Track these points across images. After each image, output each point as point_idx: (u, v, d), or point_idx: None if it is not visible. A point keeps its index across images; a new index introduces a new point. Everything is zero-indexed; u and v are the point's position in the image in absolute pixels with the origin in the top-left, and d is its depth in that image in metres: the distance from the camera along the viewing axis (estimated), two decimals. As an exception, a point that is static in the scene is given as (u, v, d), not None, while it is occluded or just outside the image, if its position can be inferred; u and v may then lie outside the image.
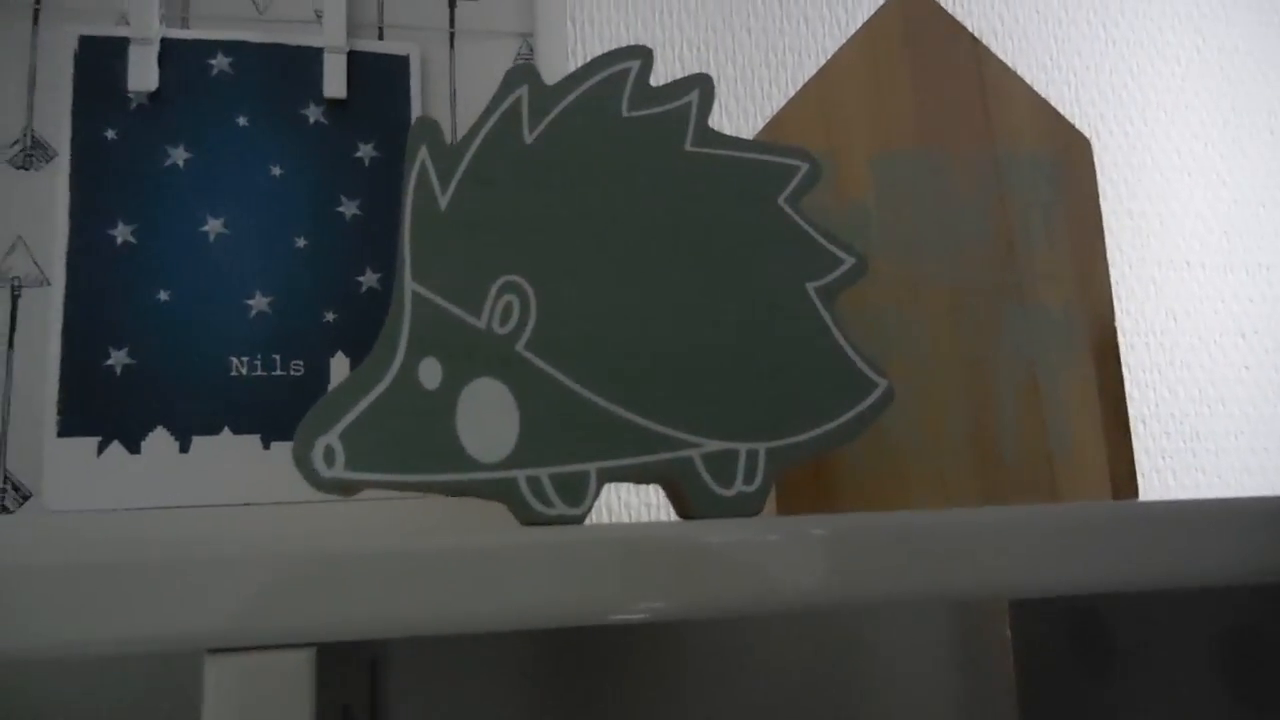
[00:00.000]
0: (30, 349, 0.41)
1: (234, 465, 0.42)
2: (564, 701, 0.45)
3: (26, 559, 0.23)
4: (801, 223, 0.30)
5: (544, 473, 0.27)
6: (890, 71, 0.40)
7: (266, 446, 0.42)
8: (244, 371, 0.43)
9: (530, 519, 0.27)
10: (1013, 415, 0.37)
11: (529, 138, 0.29)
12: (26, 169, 0.43)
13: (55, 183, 0.43)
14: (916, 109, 0.39)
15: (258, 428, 0.42)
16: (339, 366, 0.43)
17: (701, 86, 0.30)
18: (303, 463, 0.26)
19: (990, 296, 0.38)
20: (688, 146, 0.30)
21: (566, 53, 0.48)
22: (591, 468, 0.27)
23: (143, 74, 0.44)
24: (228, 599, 0.23)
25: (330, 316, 0.44)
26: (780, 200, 0.30)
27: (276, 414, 0.43)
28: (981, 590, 0.27)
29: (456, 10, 0.49)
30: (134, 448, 0.41)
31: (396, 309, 0.27)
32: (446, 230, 0.28)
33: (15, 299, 0.42)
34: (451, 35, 0.49)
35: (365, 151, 0.46)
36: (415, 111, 0.47)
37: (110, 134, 0.43)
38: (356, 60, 0.46)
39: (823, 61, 0.56)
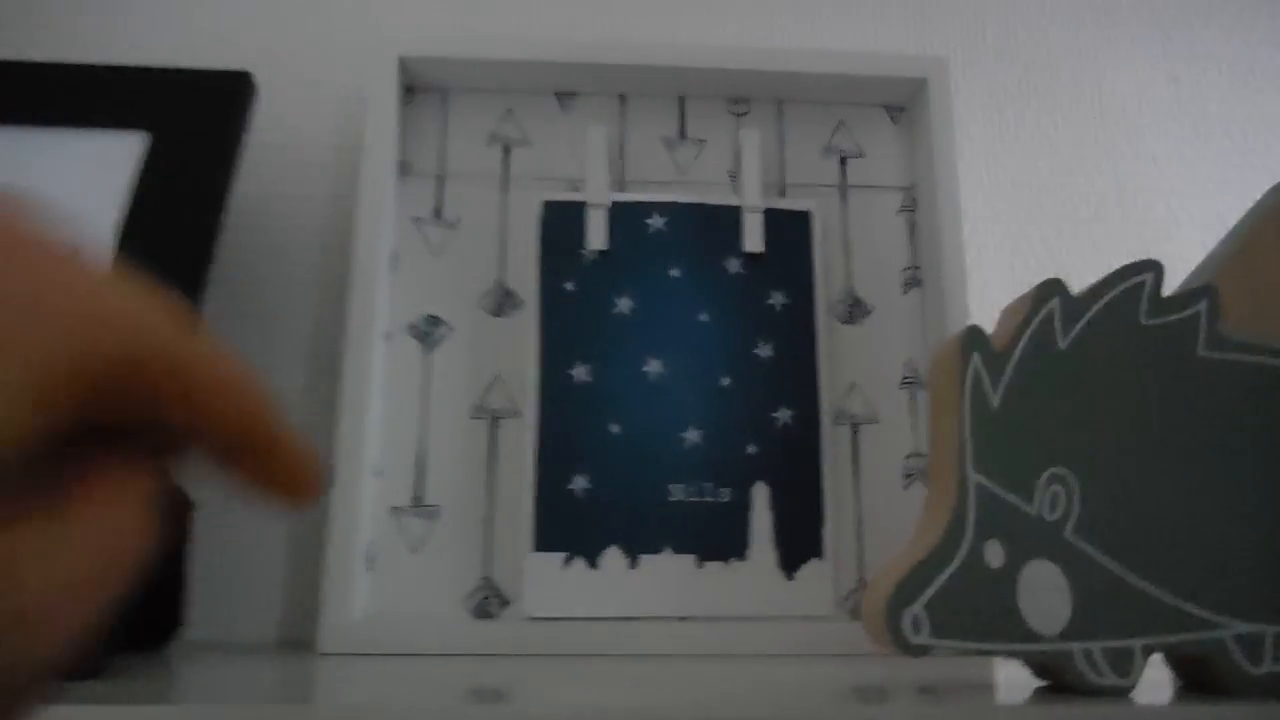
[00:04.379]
0: (507, 472, 0.48)
1: (673, 581, 0.47)
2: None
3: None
4: (1308, 422, 0.33)
5: (1095, 646, 0.31)
6: (1313, 247, 0.42)
7: (700, 565, 0.48)
8: (681, 497, 0.48)
9: (1085, 688, 0.31)
10: None
11: (1063, 343, 0.33)
12: (500, 316, 0.50)
13: (524, 327, 0.50)
14: (1342, 284, 0.42)
15: (693, 548, 0.48)
16: (760, 494, 0.49)
17: (1209, 296, 0.34)
18: (893, 630, 0.30)
19: None
20: (1200, 351, 0.33)
21: (945, 203, 0.52)
22: (1136, 643, 0.31)
23: (597, 233, 0.50)
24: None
25: (751, 449, 0.49)
26: (1287, 401, 0.33)
27: (708, 536, 0.48)
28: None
29: (847, 167, 0.54)
30: (593, 563, 0.47)
31: (961, 496, 0.32)
32: (999, 427, 0.32)
33: (494, 429, 0.49)
34: (843, 190, 0.54)
35: (776, 299, 0.51)
36: (817, 261, 0.52)
37: (569, 285, 0.50)
38: (766, 216, 0.52)
39: (1169, 199, 0.59)
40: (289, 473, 0.17)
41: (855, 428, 0.51)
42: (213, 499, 0.49)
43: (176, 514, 0.45)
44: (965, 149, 0.58)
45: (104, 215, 0.40)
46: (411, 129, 0.52)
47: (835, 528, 0.49)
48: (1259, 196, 0.46)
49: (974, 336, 0.33)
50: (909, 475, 0.51)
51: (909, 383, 0.52)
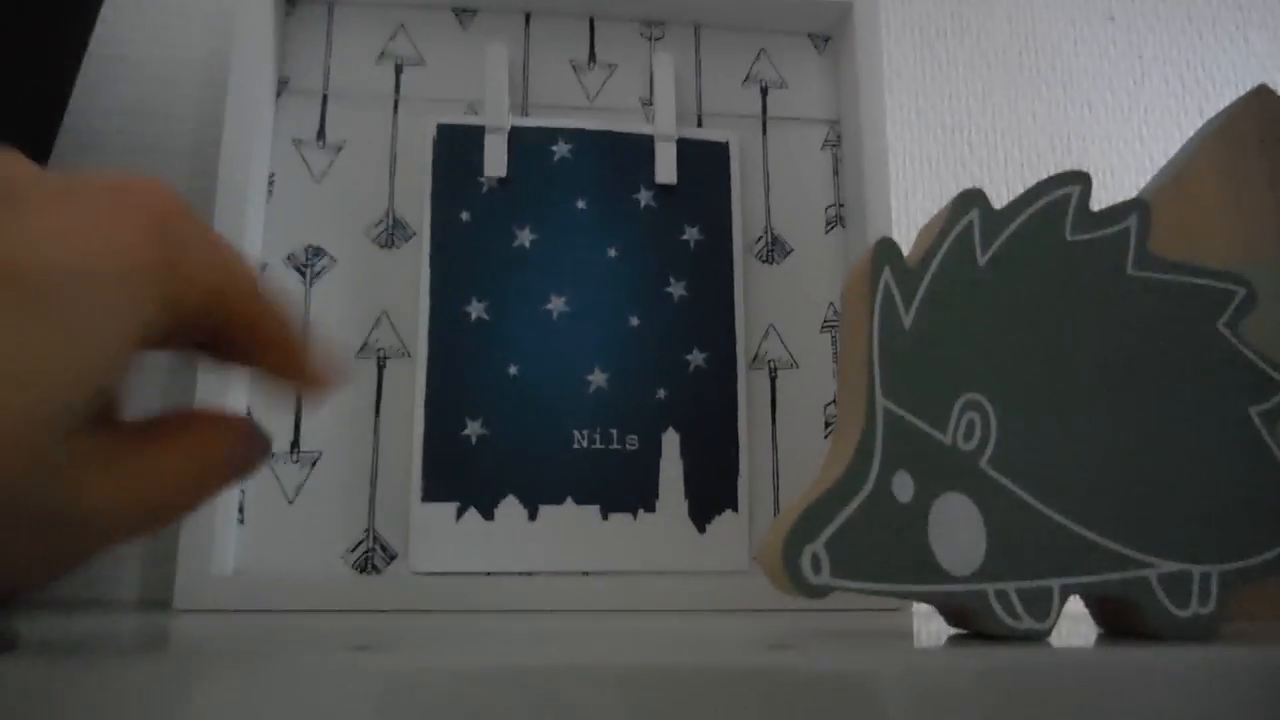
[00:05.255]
0: (394, 417, 0.44)
1: (576, 534, 0.44)
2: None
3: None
4: (1242, 347, 0.31)
5: (1011, 587, 0.28)
6: (1249, 175, 0.40)
7: (605, 517, 0.44)
8: (585, 444, 0.45)
9: (999, 631, 0.28)
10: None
11: (981, 260, 0.30)
12: (389, 247, 0.46)
13: (415, 261, 0.46)
14: (1278, 214, 0.40)
15: (597, 499, 0.44)
16: (670, 442, 0.45)
17: (1139, 211, 0.31)
18: (791, 568, 0.27)
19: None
20: (1129, 270, 0.31)
21: (871, 139, 0.49)
22: (1055, 584, 0.28)
23: (495, 160, 0.47)
24: None
25: (662, 393, 0.46)
26: (1220, 324, 0.31)
27: (614, 486, 0.45)
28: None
29: (768, 98, 0.51)
30: (488, 514, 0.43)
31: (870, 424, 0.29)
32: (911, 349, 0.29)
33: (381, 370, 0.45)
34: (764, 122, 0.51)
35: (691, 235, 0.48)
36: (735, 196, 0.49)
37: (464, 216, 0.46)
38: (681, 147, 0.49)
39: (1105, 146, 0.56)
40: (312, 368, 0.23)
41: (773, 373, 0.48)
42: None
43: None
44: (894, 86, 0.55)
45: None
46: (292, 43, 0.47)
47: (750, 478, 0.46)
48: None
49: (885, 250, 0.30)
50: (830, 424, 0.48)
51: (831, 326, 0.49)
